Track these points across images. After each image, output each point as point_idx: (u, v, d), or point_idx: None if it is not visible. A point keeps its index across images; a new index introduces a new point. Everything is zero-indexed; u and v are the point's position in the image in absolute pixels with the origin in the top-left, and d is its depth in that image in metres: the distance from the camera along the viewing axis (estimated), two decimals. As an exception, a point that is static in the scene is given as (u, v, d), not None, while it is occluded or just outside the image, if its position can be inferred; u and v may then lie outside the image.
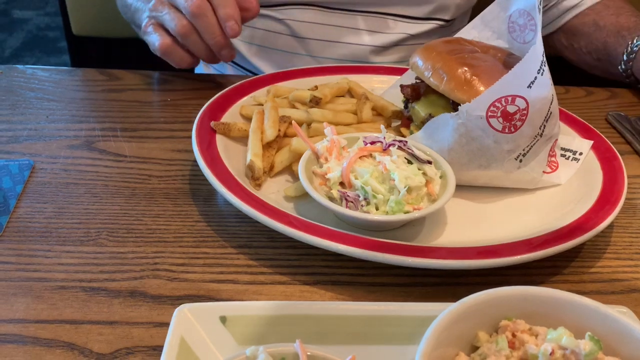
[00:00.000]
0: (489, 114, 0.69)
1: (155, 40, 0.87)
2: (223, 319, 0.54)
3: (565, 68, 1.32)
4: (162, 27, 0.88)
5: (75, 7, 1.54)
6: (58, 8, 1.57)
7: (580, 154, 0.81)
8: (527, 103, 0.69)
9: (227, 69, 1.17)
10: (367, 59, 1.11)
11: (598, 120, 0.99)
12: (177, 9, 0.86)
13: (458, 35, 0.87)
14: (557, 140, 0.78)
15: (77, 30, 1.57)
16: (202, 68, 1.24)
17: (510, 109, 0.68)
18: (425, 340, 0.46)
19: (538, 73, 0.68)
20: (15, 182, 0.76)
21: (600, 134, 0.86)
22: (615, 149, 0.82)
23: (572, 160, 0.80)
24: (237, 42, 1.13)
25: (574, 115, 0.91)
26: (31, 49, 3.38)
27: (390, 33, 1.09)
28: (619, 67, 1.06)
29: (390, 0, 1.07)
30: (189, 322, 0.53)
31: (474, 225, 0.72)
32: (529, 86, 0.68)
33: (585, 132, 0.86)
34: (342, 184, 0.70)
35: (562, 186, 0.78)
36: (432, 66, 0.76)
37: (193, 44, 0.86)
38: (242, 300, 0.62)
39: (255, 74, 1.10)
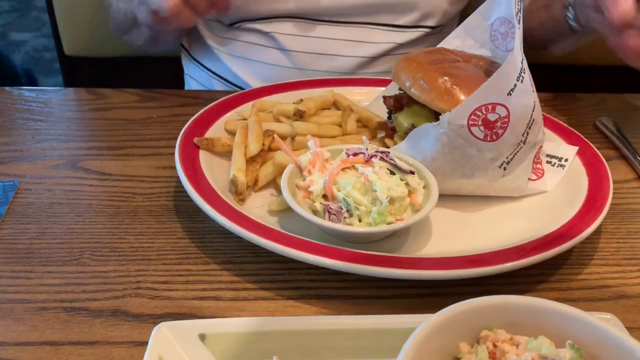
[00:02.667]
0: (470, 122, 0.68)
1: (163, 1, 0.87)
2: (202, 337, 0.53)
3: (553, 74, 1.32)
4: None
5: (67, 28, 1.55)
6: (52, 29, 1.58)
7: (566, 160, 0.80)
8: (507, 111, 0.68)
9: (214, 85, 1.17)
10: (356, 71, 1.11)
11: (586, 126, 0.99)
12: None
13: (441, 45, 0.87)
14: (541, 147, 0.77)
15: (69, 50, 1.58)
16: (190, 84, 1.24)
17: (491, 117, 0.68)
18: (403, 353, 0.45)
19: (517, 80, 0.68)
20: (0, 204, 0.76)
21: (586, 139, 0.85)
22: (601, 155, 0.82)
23: (557, 166, 0.80)
24: (223, 56, 1.13)
25: (559, 121, 0.90)
26: (27, 70, 3.40)
27: (377, 43, 1.09)
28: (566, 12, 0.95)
29: (376, 10, 1.07)
30: (167, 341, 0.52)
31: (459, 234, 0.72)
32: (509, 94, 0.68)
33: (570, 138, 0.86)
34: (325, 196, 0.69)
35: (547, 193, 0.78)
36: (413, 77, 0.76)
37: (198, 2, 0.87)
38: (224, 317, 0.62)
39: (242, 88, 1.10)
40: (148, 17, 0.92)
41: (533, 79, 0.72)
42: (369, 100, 0.94)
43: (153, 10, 0.89)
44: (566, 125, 0.89)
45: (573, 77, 1.44)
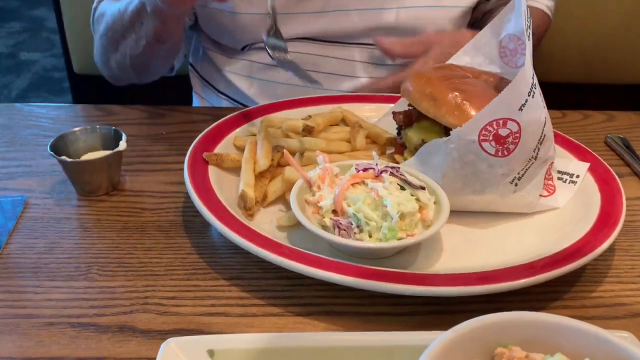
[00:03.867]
0: (481, 137, 0.68)
1: None
2: (211, 353, 0.52)
3: (562, 92, 1.32)
4: None
5: (77, 47, 1.57)
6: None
7: (578, 176, 0.80)
8: (519, 126, 0.68)
9: (223, 104, 1.17)
10: (366, 91, 1.11)
11: (597, 143, 0.98)
12: None
13: (450, 61, 0.87)
14: (552, 163, 0.77)
15: (78, 68, 1.59)
16: (198, 103, 1.24)
17: (502, 132, 0.68)
18: (417, 370, 0.44)
19: (529, 96, 0.67)
20: (8, 218, 0.76)
21: (597, 156, 0.85)
22: (612, 171, 0.81)
23: (569, 183, 0.79)
24: (232, 76, 1.13)
25: (570, 138, 0.90)
26: (37, 89, 3.43)
27: (387, 65, 1.10)
28: None
29: (385, 33, 1.07)
30: (175, 357, 0.52)
31: (470, 250, 0.71)
32: (520, 109, 0.67)
33: (581, 155, 0.85)
34: (334, 211, 0.69)
35: (559, 209, 0.77)
36: (423, 92, 0.75)
37: None
38: (233, 333, 0.61)
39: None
40: None
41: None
42: (377, 116, 0.94)
43: None
44: (577, 141, 0.89)
45: (581, 95, 1.44)
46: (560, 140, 0.87)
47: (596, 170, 0.81)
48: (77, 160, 0.79)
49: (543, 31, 1.20)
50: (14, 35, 4.02)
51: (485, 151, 0.68)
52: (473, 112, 0.71)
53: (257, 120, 0.90)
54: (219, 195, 0.74)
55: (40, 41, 3.96)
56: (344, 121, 0.93)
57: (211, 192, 0.74)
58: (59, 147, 0.81)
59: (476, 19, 1.16)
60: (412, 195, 0.69)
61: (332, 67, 1.08)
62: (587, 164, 0.82)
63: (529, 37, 0.71)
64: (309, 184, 0.72)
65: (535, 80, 0.69)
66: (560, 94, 1.31)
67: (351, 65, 1.09)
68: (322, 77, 1.09)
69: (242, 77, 1.13)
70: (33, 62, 3.71)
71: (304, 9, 1.03)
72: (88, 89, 1.62)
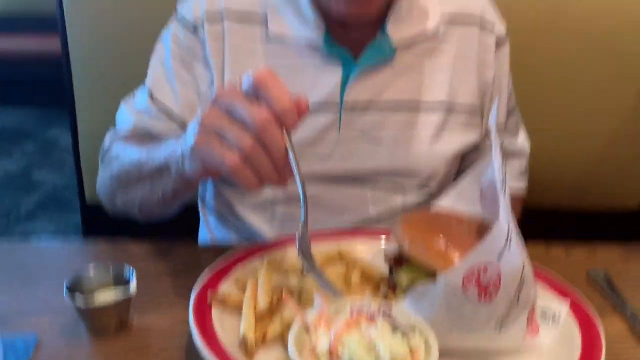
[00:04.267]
0: (465, 283, 0.74)
1: (222, 157, 0.77)
2: None
3: (546, 220, 1.39)
4: (221, 142, 0.78)
5: (91, 177, 1.66)
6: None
7: (560, 316, 0.84)
8: (499, 272, 0.74)
9: (231, 233, 1.22)
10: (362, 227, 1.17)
11: (579, 278, 1.03)
12: (237, 122, 0.77)
13: (435, 206, 0.95)
14: (535, 304, 0.82)
15: (90, 198, 1.67)
16: (207, 236, 1.30)
17: (484, 279, 0.74)
18: None
19: (506, 244, 0.74)
20: (20, 359, 0.80)
21: (579, 294, 0.90)
22: (593, 309, 0.86)
23: (552, 323, 0.83)
24: (240, 207, 1.17)
25: (553, 275, 0.95)
26: (46, 208, 3.53)
27: (384, 205, 1.16)
28: None
29: (391, 174, 1.14)
30: None
31: (460, 393, 0.74)
32: (499, 257, 0.73)
33: (563, 293, 0.90)
34: (331, 354, 0.73)
35: (544, 350, 0.80)
36: (410, 237, 0.82)
37: (260, 164, 0.77)
38: None
39: (257, 239, 1.16)
40: (198, 171, 0.84)
41: (525, 225, 0.77)
42: (372, 251, 0.99)
43: (208, 169, 0.82)
44: (558, 278, 0.94)
45: (565, 222, 1.51)
46: (542, 278, 0.93)
47: (577, 309, 0.86)
48: (90, 308, 0.84)
49: (518, 211, 1.28)
50: (28, 156, 4.20)
51: (469, 297, 0.74)
52: (457, 258, 0.77)
53: (260, 258, 0.96)
54: (221, 336, 0.78)
55: (52, 160, 4.12)
56: (340, 257, 0.99)
57: (214, 334, 0.78)
58: (72, 287, 0.86)
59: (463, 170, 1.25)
60: (403, 338, 0.73)
61: (341, 203, 1.15)
62: (568, 302, 0.86)
63: (504, 189, 0.78)
64: (306, 326, 0.77)
65: (512, 229, 0.75)
66: (544, 221, 1.39)
67: (361, 201, 1.15)
68: (331, 212, 1.14)
69: (249, 209, 1.16)
70: (44, 182, 3.84)
71: (313, 154, 1.11)
72: (99, 218, 1.69)
